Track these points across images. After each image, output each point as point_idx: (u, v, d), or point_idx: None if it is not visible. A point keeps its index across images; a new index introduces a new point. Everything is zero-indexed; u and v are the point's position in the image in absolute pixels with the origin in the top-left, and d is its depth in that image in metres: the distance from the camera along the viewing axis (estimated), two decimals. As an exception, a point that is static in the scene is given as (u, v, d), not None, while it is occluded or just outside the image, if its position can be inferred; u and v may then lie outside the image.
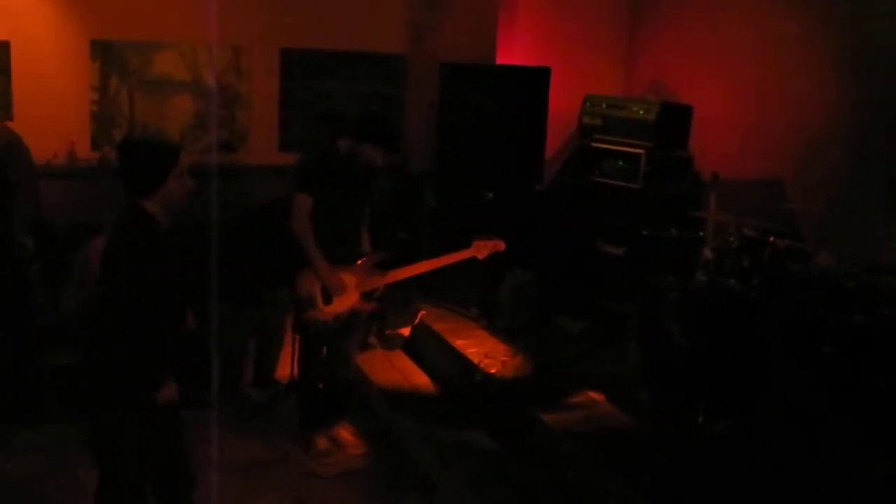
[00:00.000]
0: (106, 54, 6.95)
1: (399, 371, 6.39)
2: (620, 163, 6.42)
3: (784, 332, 4.41)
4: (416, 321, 6.75)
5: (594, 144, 6.64)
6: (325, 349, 5.51)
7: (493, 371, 5.70)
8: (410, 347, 6.71)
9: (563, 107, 6.93)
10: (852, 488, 4.00)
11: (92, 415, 3.65)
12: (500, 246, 5.71)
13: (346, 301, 5.32)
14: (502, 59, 7.27)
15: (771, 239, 4.78)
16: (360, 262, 5.39)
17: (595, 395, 5.37)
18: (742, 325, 4.69)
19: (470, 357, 5.93)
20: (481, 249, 5.66)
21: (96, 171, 6.93)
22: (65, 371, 5.61)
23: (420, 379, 6.30)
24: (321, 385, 5.54)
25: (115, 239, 3.64)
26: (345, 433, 5.66)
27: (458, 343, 6.20)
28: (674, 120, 6.46)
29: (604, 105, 6.68)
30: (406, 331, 6.80)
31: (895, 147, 5.09)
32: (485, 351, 6.00)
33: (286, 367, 6.12)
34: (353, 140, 5.21)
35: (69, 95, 6.92)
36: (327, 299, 5.28)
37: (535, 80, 6.81)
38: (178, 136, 7.23)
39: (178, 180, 3.64)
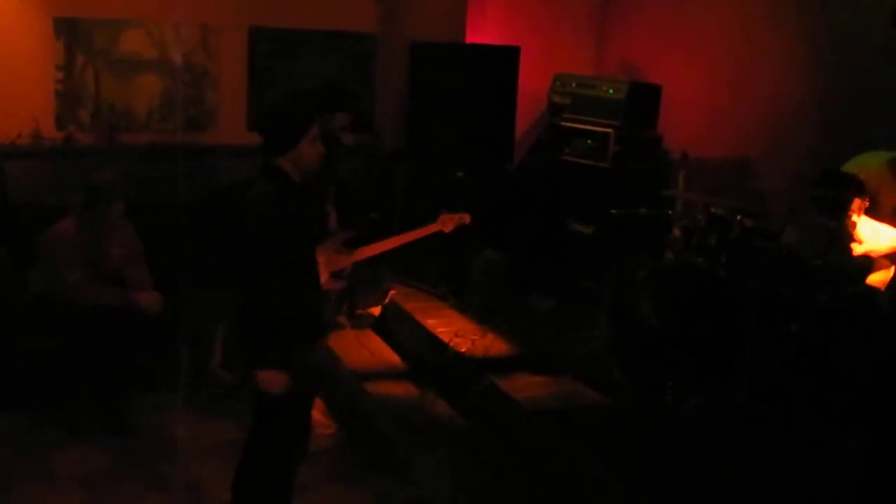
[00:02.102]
0: (71, 32, 6.84)
1: (369, 350, 6.39)
2: (590, 142, 6.44)
3: (751, 310, 4.45)
4: (387, 301, 6.74)
5: (564, 123, 6.65)
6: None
7: (463, 350, 5.71)
8: (381, 327, 6.70)
9: (533, 86, 6.93)
10: (820, 462, 4.06)
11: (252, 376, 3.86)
12: (466, 219, 5.70)
13: (316, 281, 5.30)
14: (472, 37, 7.25)
15: (738, 217, 4.82)
16: (328, 241, 5.37)
17: (566, 374, 5.40)
18: (710, 302, 4.74)
19: (440, 336, 5.94)
20: (447, 223, 5.66)
21: (61, 151, 6.84)
22: (33, 354, 5.55)
23: (391, 358, 6.30)
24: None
25: (256, 199, 3.81)
26: (315, 413, 5.63)
27: (429, 322, 6.21)
28: (643, 99, 6.49)
29: (573, 84, 6.68)
30: (376, 310, 6.79)
31: (863, 128, 5.14)
32: (455, 330, 6.01)
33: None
34: (323, 115, 5.17)
35: (33, 74, 6.81)
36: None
37: (504, 59, 6.81)
38: (144, 115, 7.15)
39: (310, 145, 3.86)
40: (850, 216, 3.81)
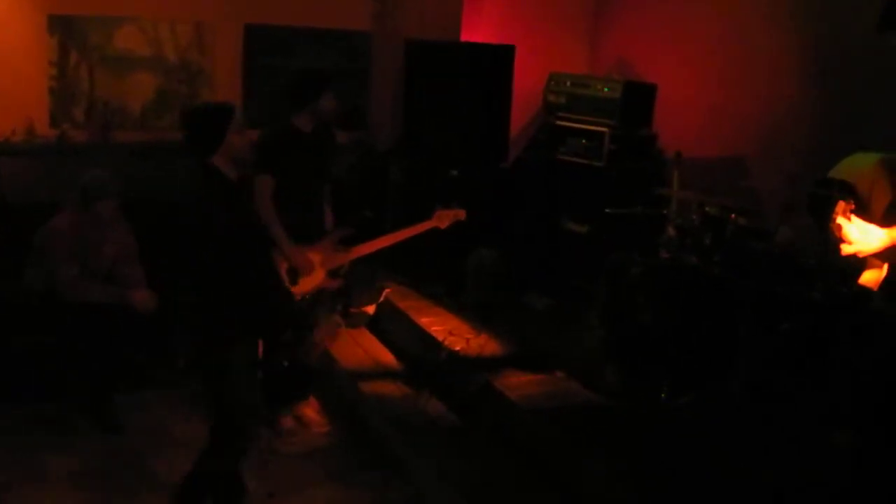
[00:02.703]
0: (65, 29, 6.84)
1: (364, 349, 6.39)
2: (584, 141, 6.44)
3: (745, 309, 4.46)
4: (381, 299, 6.74)
5: (559, 122, 6.65)
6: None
7: (457, 348, 5.71)
8: (375, 325, 6.70)
9: (528, 85, 6.92)
10: (813, 460, 4.07)
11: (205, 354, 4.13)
12: (461, 215, 5.68)
13: (313, 280, 5.30)
14: (467, 36, 7.25)
15: (732, 217, 4.83)
16: (324, 239, 5.37)
17: (560, 372, 5.41)
18: (704, 301, 4.74)
19: (435, 335, 5.94)
20: (443, 219, 5.63)
21: (55, 148, 6.83)
22: (26, 351, 5.54)
23: (385, 357, 6.30)
24: (286, 364, 5.52)
25: (194, 197, 4.06)
26: (310, 412, 5.65)
27: (423, 321, 6.21)
28: (638, 98, 6.49)
29: (568, 83, 6.68)
30: (371, 309, 6.79)
31: (857, 128, 5.15)
32: (449, 328, 6.01)
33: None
34: (307, 105, 5.17)
35: (27, 71, 6.80)
36: (293, 279, 5.26)
37: (500, 58, 6.80)
38: (138, 112, 7.14)
39: (235, 134, 4.04)
40: (835, 218, 3.81)
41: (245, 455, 4.27)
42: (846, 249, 3.75)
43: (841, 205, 3.84)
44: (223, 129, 4.00)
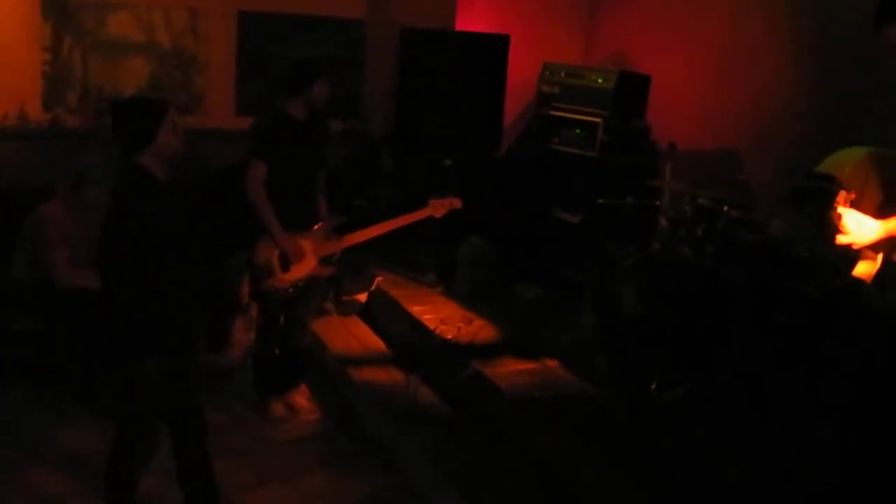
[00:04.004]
0: (58, 14, 6.80)
1: (355, 337, 6.40)
2: (578, 131, 6.44)
3: (737, 301, 4.48)
4: (373, 287, 6.75)
5: (552, 113, 6.66)
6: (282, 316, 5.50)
7: (449, 337, 5.72)
8: (367, 313, 6.71)
9: (522, 75, 6.93)
10: (803, 452, 4.09)
11: (125, 367, 3.94)
12: (457, 203, 5.64)
13: (305, 267, 5.30)
14: (462, 25, 7.24)
15: (725, 208, 4.84)
16: (316, 227, 5.37)
17: (551, 362, 5.43)
18: (696, 293, 4.75)
19: (426, 323, 5.95)
20: (438, 208, 5.60)
21: (48, 133, 6.80)
22: (17, 336, 5.54)
23: (376, 345, 6.31)
24: (277, 351, 5.53)
25: (116, 197, 3.91)
26: (301, 399, 5.66)
27: (415, 309, 6.22)
28: (632, 89, 6.49)
29: (562, 73, 6.68)
30: (363, 297, 6.79)
31: (849, 122, 5.16)
32: (441, 317, 6.02)
33: (241, 333, 6.12)
34: (301, 93, 5.17)
35: (20, 56, 6.76)
36: (285, 267, 5.25)
37: (494, 48, 6.81)
38: (132, 98, 7.11)
39: (169, 133, 3.83)
40: (836, 208, 3.82)
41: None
42: (842, 240, 3.76)
43: (843, 194, 3.83)
44: (152, 126, 3.77)
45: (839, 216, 3.78)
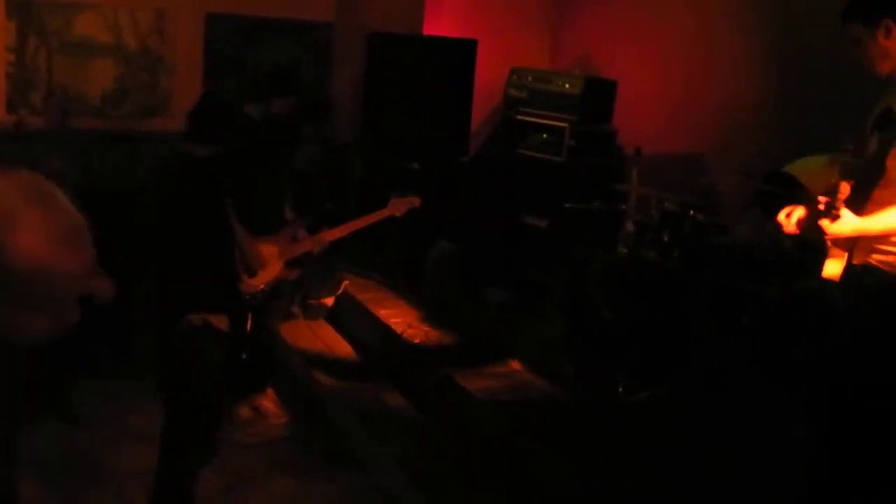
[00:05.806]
0: (23, 14, 6.74)
1: (322, 341, 6.38)
2: (545, 136, 6.47)
3: (704, 304, 4.52)
4: (340, 291, 6.73)
5: (519, 117, 6.68)
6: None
7: (416, 341, 5.73)
8: (334, 317, 6.69)
9: (489, 79, 6.95)
10: (770, 455, 4.13)
11: None
12: (416, 202, 5.67)
13: (271, 272, 5.29)
14: (429, 29, 7.25)
15: (691, 212, 4.89)
16: (282, 230, 5.35)
17: (518, 365, 5.44)
18: (663, 296, 4.79)
19: (394, 327, 5.95)
20: (398, 206, 5.63)
21: (11, 135, 6.74)
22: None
23: (344, 349, 6.30)
24: (244, 355, 5.50)
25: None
26: (268, 403, 5.63)
27: (382, 313, 6.22)
28: (598, 94, 6.53)
29: (529, 78, 6.71)
30: (330, 301, 6.78)
31: (816, 127, 5.22)
32: (408, 321, 6.02)
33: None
34: (262, 101, 5.16)
35: (-17, 56, 6.71)
36: (251, 272, 5.24)
37: (461, 53, 6.82)
38: (97, 100, 7.06)
39: None
40: (841, 198, 3.74)
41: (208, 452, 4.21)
42: (829, 228, 3.67)
43: (844, 184, 3.76)
44: None
45: (842, 203, 3.68)
